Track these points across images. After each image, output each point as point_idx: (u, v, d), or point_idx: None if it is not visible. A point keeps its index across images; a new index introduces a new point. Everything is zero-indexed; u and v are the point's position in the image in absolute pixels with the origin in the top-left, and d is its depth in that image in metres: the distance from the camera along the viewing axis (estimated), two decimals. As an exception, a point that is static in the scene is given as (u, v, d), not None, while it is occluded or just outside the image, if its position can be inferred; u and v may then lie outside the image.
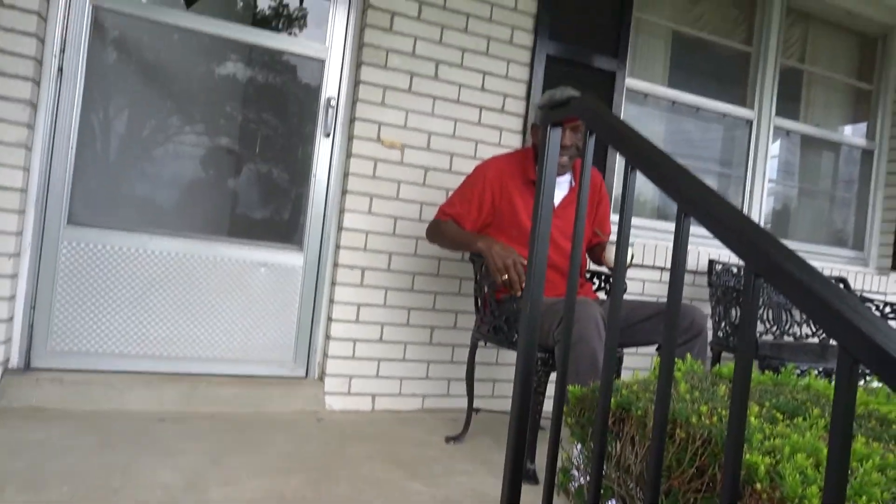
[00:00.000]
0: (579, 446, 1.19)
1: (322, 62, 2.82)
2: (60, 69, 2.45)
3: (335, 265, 2.77)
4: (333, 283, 2.77)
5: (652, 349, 2.59)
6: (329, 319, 2.77)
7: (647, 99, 3.52)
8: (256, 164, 2.90)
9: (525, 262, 2.17)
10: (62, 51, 2.45)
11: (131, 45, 2.66)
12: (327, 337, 2.78)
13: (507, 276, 2.13)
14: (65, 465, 1.91)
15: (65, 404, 2.41)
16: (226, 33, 2.72)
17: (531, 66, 3.02)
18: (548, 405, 2.57)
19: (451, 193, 2.55)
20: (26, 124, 2.33)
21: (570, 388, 1.13)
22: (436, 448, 2.42)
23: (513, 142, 3.01)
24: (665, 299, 3.11)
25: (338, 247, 2.77)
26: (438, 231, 2.44)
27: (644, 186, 3.61)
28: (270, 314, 2.78)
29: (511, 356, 3.04)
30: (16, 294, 2.42)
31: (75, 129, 2.50)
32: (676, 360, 1.12)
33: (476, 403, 2.57)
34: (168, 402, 2.52)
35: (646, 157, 0.89)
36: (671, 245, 3.16)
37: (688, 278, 3.44)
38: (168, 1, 2.68)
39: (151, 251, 2.61)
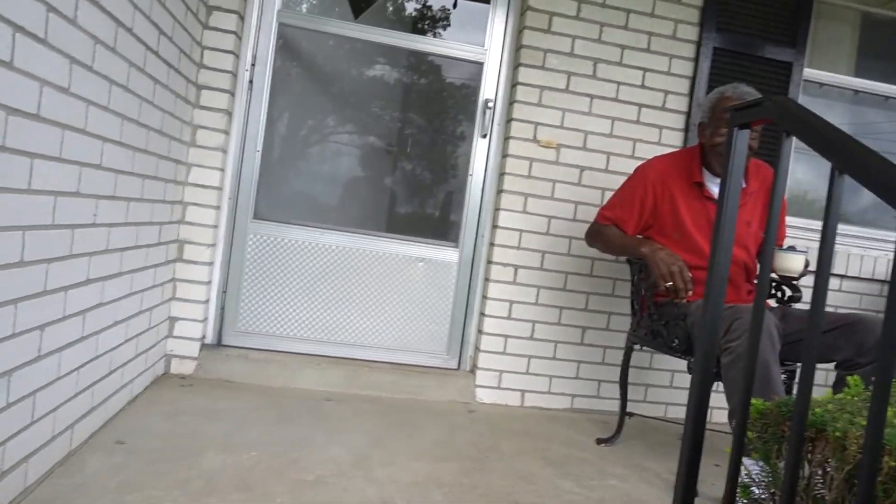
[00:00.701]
0: (760, 463, 1.13)
1: (480, 65, 2.90)
2: (251, 81, 2.74)
3: (489, 262, 2.84)
4: (487, 280, 2.84)
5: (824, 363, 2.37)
6: (482, 315, 2.85)
7: (823, 89, 3.21)
8: (416, 164, 3.05)
9: (688, 270, 2.10)
10: (253, 65, 2.74)
11: (309, 56, 2.91)
12: (480, 331, 2.86)
13: (671, 283, 2.07)
14: (252, 434, 2.15)
15: (248, 379, 2.70)
16: (389, 41, 2.88)
17: (696, 60, 2.88)
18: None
19: (610, 195, 2.51)
20: (223, 131, 2.64)
21: (753, 401, 1.08)
22: (586, 449, 2.41)
23: (673, 140, 2.90)
24: (845, 310, 2.83)
25: (492, 244, 2.83)
26: (599, 236, 2.42)
27: (817, 184, 3.31)
28: (426, 307, 2.92)
29: (665, 361, 2.94)
30: (212, 280, 2.75)
31: (261, 135, 2.78)
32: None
33: (628, 407, 2.51)
34: (333, 384, 2.74)
35: (860, 162, 0.83)
36: (852, 251, 2.83)
37: (874, 287, 3.11)
38: (338, 14, 2.90)
39: (322, 244, 2.84)
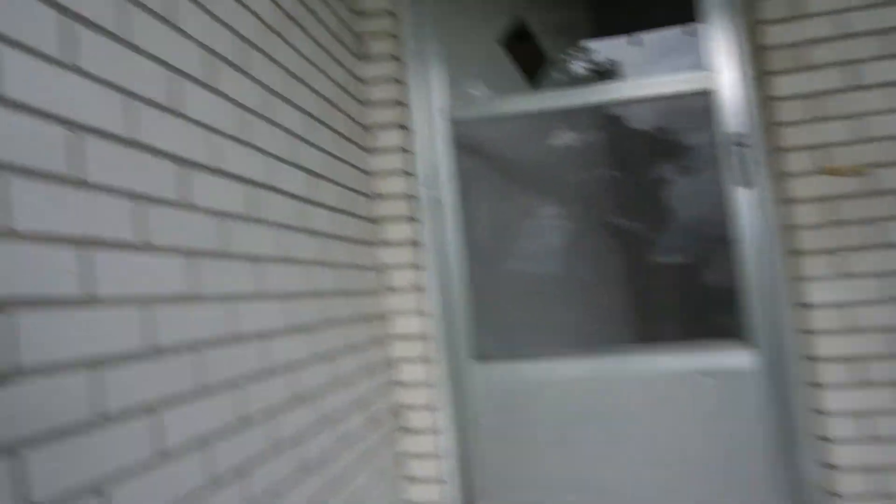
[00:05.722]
0: None
1: (708, 93, 2.13)
2: (433, 197, 2.28)
3: (810, 359, 1.93)
4: (816, 386, 1.91)
5: None
6: (823, 440, 1.90)
7: None
8: (652, 240, 2.32)
9: None
10: (431, 177, 2.28)
11: (492, 146, 2.41)
12: (828, 467, 1.89)
13: None
14: None
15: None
16: (581, 100, 2.26)
17: None
18: None
19: None
20: (414, 265, 2.17)
21: None
22: None
23: None
24: None
25: (807, 332, 1.93)
26: None
27: None
28: (720, 442, 2.04)
29: None
30: (438, 449, 2.19)
31: (458, 255, 2.27)
32: None
33: None
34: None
35: None
36: None
37: None
38: (512, 89, 2.38)
39: (560, 378, 2.16)
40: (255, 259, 1.34)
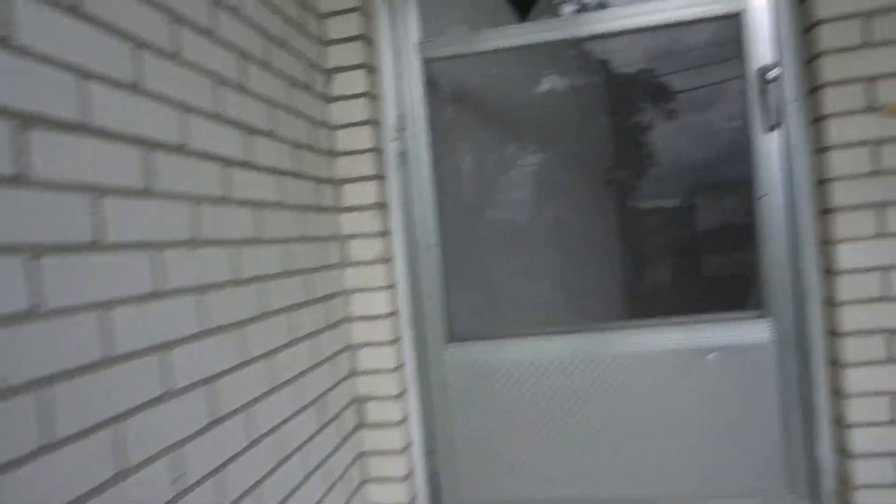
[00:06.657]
0: None
1: (735, 17, 1.78)
2: (403, 153, 1.95)
3: (832, 333, 1.66)
4: (836, 364, 1.66)
5: None
6: (840, 425, 1.66)
7: None
8: (658, 195, 2.02)
9: None
10: (401, 129, 1.95)
11: (473, 91, 2.06)
12: (843, 453, 1.66)
13: None
14: None
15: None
16: (579, 31, 1.91)
17: None
18: None
19: None
20: (381, 233, 1.86)
21: None
22: None
23: None
24: None
25: (831, 303, 1.66)
26: None
27: None
28: (734, 426, 1.81)
29: None
30: (411, 444, 1.95)
31: (433, 221, 1.96)
32: None
33: None
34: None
35: None
36: None
37: None
38: (497, 23, 2.00)
39: (548, 359, 1.90)
40: (156, 247, 1.04)
